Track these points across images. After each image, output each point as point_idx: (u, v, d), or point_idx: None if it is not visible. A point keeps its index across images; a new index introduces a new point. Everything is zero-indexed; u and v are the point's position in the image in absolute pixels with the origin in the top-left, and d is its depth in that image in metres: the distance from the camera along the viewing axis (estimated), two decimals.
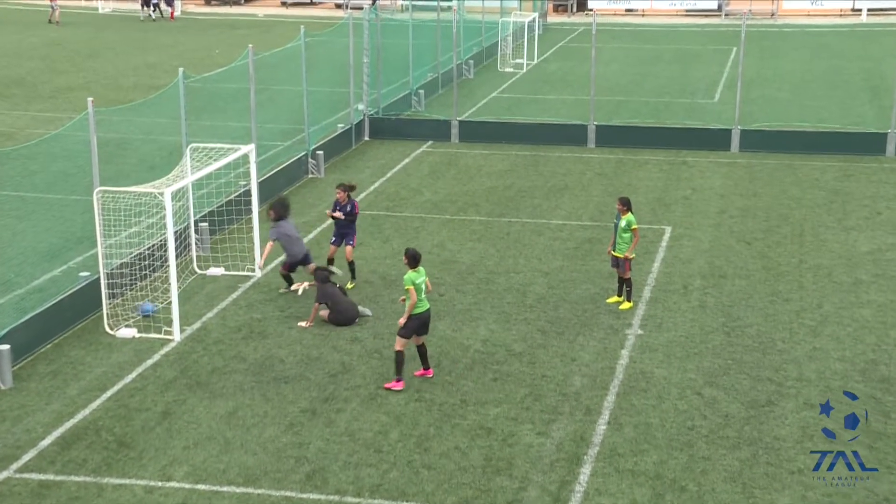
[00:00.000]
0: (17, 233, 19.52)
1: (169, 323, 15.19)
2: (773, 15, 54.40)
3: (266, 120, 25.22)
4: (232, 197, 19.74)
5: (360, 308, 15.81)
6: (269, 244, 16.65)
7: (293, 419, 12.80)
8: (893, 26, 49.17)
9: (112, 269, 15.86)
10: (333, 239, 17.12)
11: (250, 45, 21.42)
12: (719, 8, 55.23)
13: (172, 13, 55.53)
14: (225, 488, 11.32)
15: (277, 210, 16.62)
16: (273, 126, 25.98)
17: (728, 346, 14.86)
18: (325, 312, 15.53)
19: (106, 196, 15.55)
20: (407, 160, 25.33)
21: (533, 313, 15.99)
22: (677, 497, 11.20)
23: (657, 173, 24.02)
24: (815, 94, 33.48)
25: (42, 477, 11.59)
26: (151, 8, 55.02)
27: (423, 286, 13.46)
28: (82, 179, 21.47)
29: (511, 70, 38.22)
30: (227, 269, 17.77)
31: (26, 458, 11.99)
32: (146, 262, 16.65)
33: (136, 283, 16.50)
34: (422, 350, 13.81)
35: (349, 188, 17.08)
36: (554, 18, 54.48)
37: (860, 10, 54.24)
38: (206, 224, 18.58)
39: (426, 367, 13.90)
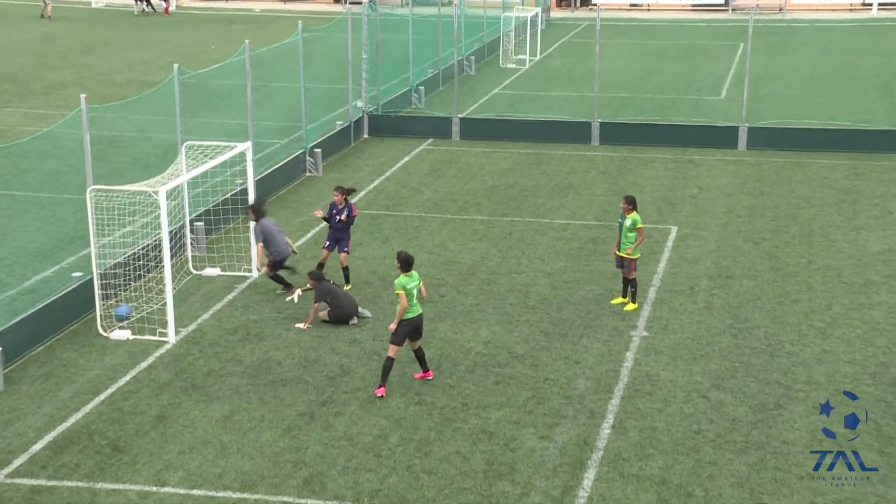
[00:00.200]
0: (7, 232, 19.45)
1: (164, 324, 15.14)
2: (781, 10, 54.17)
3: (263, 117, 25.22)
4: (228, 196, 19.67)
5: (360, 309, 15.74)
6: (260, 245, 16.51)
7: (291, 423, 12.72)
8: None
9: (105, 270, 15.80)
10: (327, 243, 16.95)
11: (247, 41, 21.34)
12: (726, 3, 55.09)
13: (167, 8, 55.33)
14: (221, 493, 11.25)
15: (256, 209, 16.60)
16: (270, 123, 25.97)
17: (735, 348, 14.77)
18: (324, 313, 15.48)
19: (99, 195, 15.50)
20: (407, 158, 25.22)
21: (536, 315, 15.89)
22: (683, 503, 11.12)
23: (663, 172, 23.94)
24: (825, 90, 33.38)
25: (34, 482, 11.53)
26: (144, 3, 54.79)
27: (416, 292, 13.30)
28: (75, 178, 21.53)
29: (513, 66, 38.17)
30: (223, 269, 17.70)
31: (17, 462, 11.93)
32: (140, 263, 16.58)
33: (130, 284, 16.44)
34: (419, 353, 13.73)
35: (347, 192, 16.87)
36: (557, 13, 54.39)
37: (871, 5, 54.14)
38: (201, 223, 18.51)
39: (425, 370, 13.84)
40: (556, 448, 12.10)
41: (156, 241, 16.39)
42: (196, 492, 11.25)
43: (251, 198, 17.77)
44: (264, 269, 16.68)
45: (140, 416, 12.87)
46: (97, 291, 15.29)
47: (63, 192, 21.52)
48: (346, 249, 16.82)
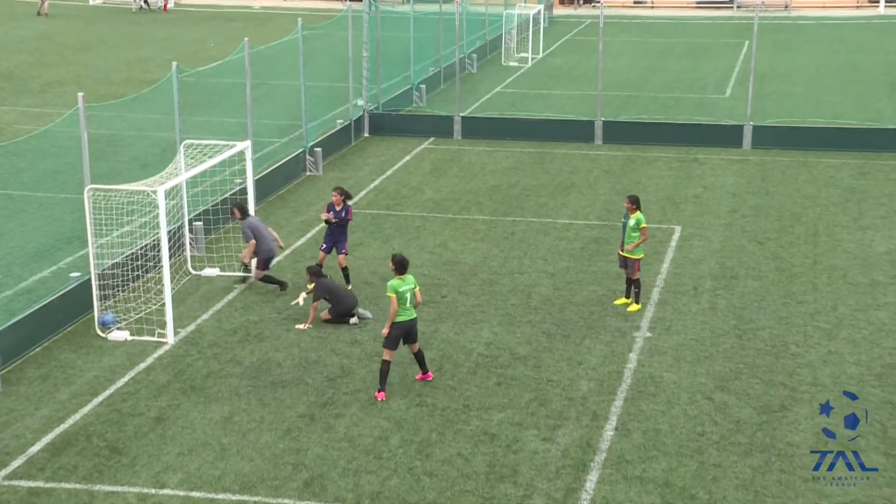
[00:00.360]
0: (4, 232, 19.41)
1: (162, 325, 15.10)
2: (786, 7, 54.08)
3: (262, 116, 25.24)
4: (227, 195, 19.63)
5: (360, 310, 15.72)
6: (252, 243, 16.48)
7: (291, 424, 12.67)
8: None
9: (103, 270, 15.75)
10: (324, 245, 16.93)
11: (246, 39, 21.31)
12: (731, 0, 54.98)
13: (165, 5, 55.22)
14: (220, 496, 11.22)
15: (242, 208, 16.63)
16: (270, 122, 25.99)
17: (740, 349, 14.70)
18: (325, 313, 15.45)
19: (97, 194, 15.46)
20: (408, 157, 25.16)
21: (538, 315, 15.83)
22: None
23: (666, 171, 23.89)
24: (831, 88, 33.33)
25: (31, 484, 11.48)
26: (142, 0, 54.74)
27: (410, 296, 13.18)
28: (72, 177, 21.54)
29: (515, 64, 38.13)
30: (222, 269, 17.67)
31: (15, 464, 11.88)
32: (139, 263, 16.55)
33: (128, 285, 16.40)
34: (418, 356, 13.68)
35: (347, 194, 16.80)
36: (560, 11, 54.38)
37: (877, 2, 54.07)
38: (200, 223, 18.49)
39: (425, 372, 13.79)
40: (558, 450, 12.05)
41: (154, 241, 16.35)
42: (195, 494, 11.21)
43: (251, 198, 17.74)
44: (253, 270, 16.60)
45: (139, 418, 12.82)
46: (95, 292, 15.25)
47: (60, 191, 21.51)
48: (343, 251, 16.79)
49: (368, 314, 15.67)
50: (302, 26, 23.66)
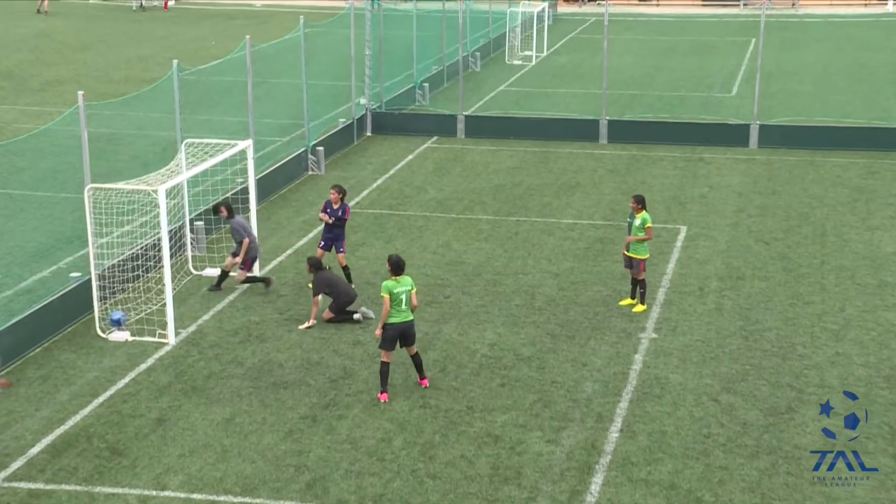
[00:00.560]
0: (4, 232, 19.40)
1: (163, 326, 15.05)
2: (793, 4, 53.92)
3: (264, 114, 25.23)
4: (229, 195, 19.54)
5: (363, 309, 15.67)
6: (246, 241, 16.45)
7: (293, 426, 12.63)
8: None
9: (104, 270, 15.72)
10: (322, 244, 16.90)
11: (247, 37, 21.25)
12: None
13: (166, 3, 55.17)
14: (222, 497, 11.21)
15: (229, 206, 16.61)
16: (271, 121, 25.95)
17: (746, 350, 14.64)
18: (326, 313, 15.40)
19: (97, 193, 15.43)
20: (411, 156, 25.10)
21: (542, 316, 15.77)
22: None
23: (672, 170, 23.82)
24: (838, 87, 33.25)
25: (32, 486, 11.45)
26: None
27: (405, 297, 13.05)
28: (72, 176, 21.58)
29: (519, 62, 38.06)
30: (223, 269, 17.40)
31: (15, 466, 11.86)
32: (139, 263, 16.52)
33: (128, 285, 16.37)
34: (416, 360, 13.56)
35: (343, 191, 16.73)
36: (564, 8, 54.31)
37: (886, 0, 53.72)
38: (201, 223, 18.45)
39: (421, 377, 13.65)
40: (563, 452, 12.00)
41: (155, 240, 16.32)
42: (196, 496, 11.18)
43: (252, 197, 17.69)
44: (237, 271, 16.49)
45: (139, 419, 12.78)
46: (95, 292, 15.22)
47: (60, 190, 21.50)
48: (341, 249, 16.76)
49: (372, 314, 15.59)
50: (304, 24, 23.62)
